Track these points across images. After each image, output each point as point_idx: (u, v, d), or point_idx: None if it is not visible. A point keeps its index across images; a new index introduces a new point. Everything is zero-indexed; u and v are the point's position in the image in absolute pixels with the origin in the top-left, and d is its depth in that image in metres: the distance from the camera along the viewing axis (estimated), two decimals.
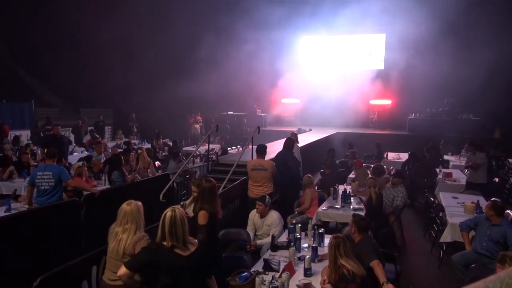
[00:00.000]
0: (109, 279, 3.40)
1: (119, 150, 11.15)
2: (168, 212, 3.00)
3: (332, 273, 3.53)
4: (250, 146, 8.96)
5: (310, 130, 17.21)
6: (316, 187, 7.92)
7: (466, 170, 9.59)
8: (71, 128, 16.01)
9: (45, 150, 6.56)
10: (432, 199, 7.55)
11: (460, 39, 14.87)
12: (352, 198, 7.00)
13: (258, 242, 5.29)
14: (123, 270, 2.95)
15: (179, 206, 3.33)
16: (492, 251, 4.72)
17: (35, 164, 8.97)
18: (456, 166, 11.15)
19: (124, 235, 3.38)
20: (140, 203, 3.52)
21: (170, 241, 2.96)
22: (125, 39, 18.51)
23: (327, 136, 15.15)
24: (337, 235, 3.69)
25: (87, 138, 14.62)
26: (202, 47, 17.31)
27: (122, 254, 3.35)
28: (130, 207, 3.43)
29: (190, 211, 4.41)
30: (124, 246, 3.35)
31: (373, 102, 19.51)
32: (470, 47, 14.63)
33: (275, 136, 13.85)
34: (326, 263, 3.92)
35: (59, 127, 10.66)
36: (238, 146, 14.99)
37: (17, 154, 10.42)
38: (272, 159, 7.41)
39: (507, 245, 4.64)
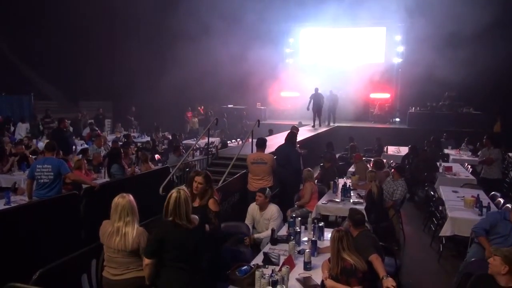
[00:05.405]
0: (113, 274, 3.35)
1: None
2: (173, 193, 3.21)
3: (334, 266, 3.53)
4: (250, 140, 8.94)
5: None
6: (316, 181, 7.91)
7: (469, 168, 9.63)
8: (70, 121, 15.98)
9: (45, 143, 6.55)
10: (432, 193, 7.54)
11: (460, 34, 14.77)
12: (352, 192, 6.99)
13: (256, 235, 5.29)
14: (146, 261, 3.12)
15: (184, 187, 3.42)
16: None
17: (34, 157, 8.95)
18: (456, 160, 11.14)
19: (128, 228, 3.30)
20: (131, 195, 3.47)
21: (172, 217, 3.16)
22: (125, 32, 18.42)
23: (326, 130, 15.12)
24: (339, 229, 3.68)
25: (86, 131, 14.61)
26: (201, 40, 17.22)
27: (130, 249, 3.29)
28: (125, 200, 3.35)
29: None
30: (132, 238, 3.28)
31: (373, 95, 19.45)
32: (470, 42, 14.56)
33: (275, 130, 13.84)
34: (326, 256, 3.92)
35: (66, 120, 10.62)
36: (238, 140, 14.99)
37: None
38: (273, 153, 7.40)
39: None
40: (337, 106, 16.54)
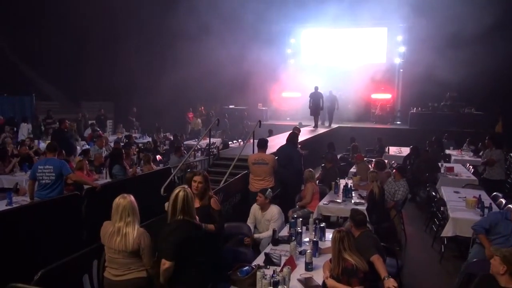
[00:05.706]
0: (114, 274, 3.34)
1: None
2: (180, 192, 3.29)
3: (335, 267, 3.53)
4: (251, 140, 8.94)
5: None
6: (317, 182, 7.90)
7: (471, 168, 9.60)
8: (75, 124, 16.00)
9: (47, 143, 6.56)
10: (433, 193, 7.54)
11: (461, 35, 14.76)
12: (353, 192, 6.98)
13: (256, 235, 5.29)
14: (167, 264, 3.11)
15: (186, 186, 3.47)
16: None
17: (37, 158, 8.98)
18: (457, 161, 11.13)
19: (129, 229, 3.29)
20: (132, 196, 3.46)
21: (182, 215, 3.24)
22: (126, 33, 18.41)
23: (328, 131, 15.11)
24: (340, 229, 3.69)
25: (88, 132, 14.62)
26: (201, 40, 17.22)
27: (131, 249, 3.28)
28: (126, 200, 3.33)
29: None
30: (132, 239, 3.26)
31: (375, 96, 19.43)
32: (471, 43, 14.54)
33: (276, 131, 13.84)
34: (327, 257, 3.92)
35: (67, 121, 10.62)
36: (239, 140, 14.99)
37: (18, 148, 10.43)
38: (274, 153, 7.40)
39: None
40: (336, 106, 16.25)
